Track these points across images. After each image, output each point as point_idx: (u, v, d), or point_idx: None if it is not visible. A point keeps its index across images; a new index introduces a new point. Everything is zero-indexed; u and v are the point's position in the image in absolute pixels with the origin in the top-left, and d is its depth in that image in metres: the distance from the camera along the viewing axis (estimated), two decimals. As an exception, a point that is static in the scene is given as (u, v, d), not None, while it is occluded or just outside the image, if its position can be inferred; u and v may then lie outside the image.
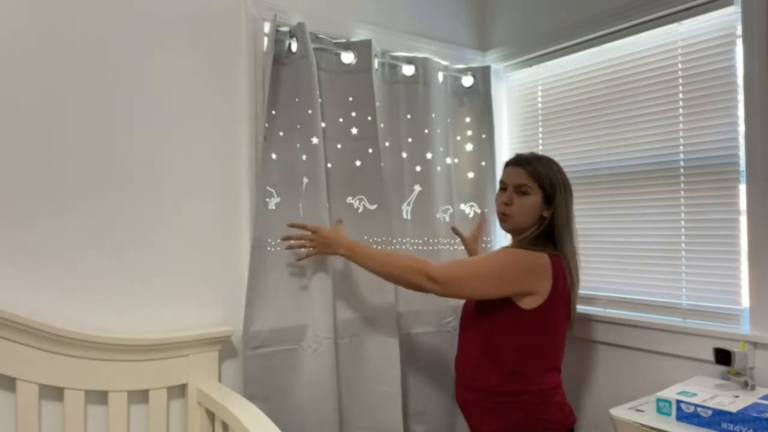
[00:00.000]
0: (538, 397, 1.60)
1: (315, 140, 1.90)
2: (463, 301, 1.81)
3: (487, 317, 1.64)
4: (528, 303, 1.58)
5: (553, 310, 1.61)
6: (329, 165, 1.98)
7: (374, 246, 2.02)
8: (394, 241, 2.13)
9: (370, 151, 2.02)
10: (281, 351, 1.87)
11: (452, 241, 2.27)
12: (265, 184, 1.87)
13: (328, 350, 1.88)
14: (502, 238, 2.41)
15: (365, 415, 1.98)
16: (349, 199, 2.02)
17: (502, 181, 1.73)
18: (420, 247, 2.19)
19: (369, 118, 2.02)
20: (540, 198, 1.65)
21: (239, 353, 1.87)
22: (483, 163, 2.36)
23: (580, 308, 1.98)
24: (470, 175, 2.36)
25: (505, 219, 1.70)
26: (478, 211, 2.34)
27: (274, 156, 1.90)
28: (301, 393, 1.88)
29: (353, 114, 2.03)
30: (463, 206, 2.35)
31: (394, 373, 2.00)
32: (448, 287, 1.57)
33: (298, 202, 1.93)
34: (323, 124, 1.97)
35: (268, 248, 1.86)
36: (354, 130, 2.03)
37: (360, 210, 2.03)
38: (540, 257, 1.59)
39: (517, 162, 1.70)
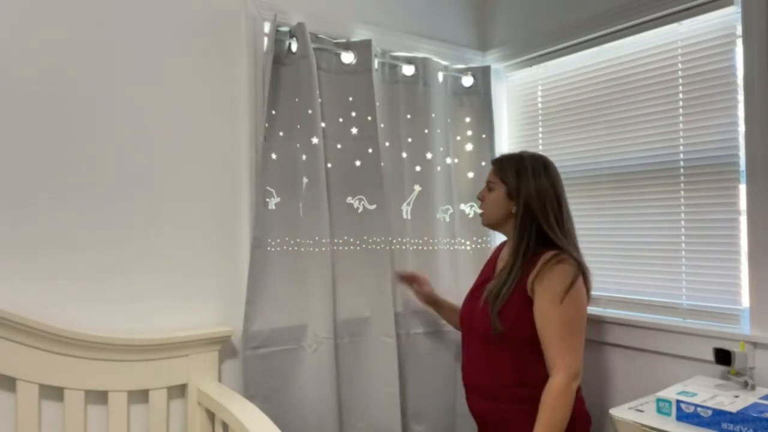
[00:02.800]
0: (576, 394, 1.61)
1: (315, 140, 1.90)
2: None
3: (516, 331, 1.59)
4: None
5: None
6: (329, 165, 1.98)
7: (374, 246, 2.01)
8: (394, 241, 2.13)
9: (370, 151, 2.02)
10: (281, 351, 1.87)
11: (452, 241, 2.27)
12: (264, 184, 1.87)
13: (328, 350, 1.88)
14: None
15: (365, 415, 1.98)
16: (349, 199, 2.02)
17: None
18: (420, 247, 2.19)
19: (369, 118, 2.02)
20: (503, 192, 1.70)
21: (239, 353, 1.87)
22: (483, 163, 2.35)
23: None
24: (470, 175, 2.36)
25: (481, 214, 1.79)
26: (479, 211, 2.33)
27: (274, 156, 1.90)
28: (301, 393, 1.88)
29: (353, 114, 2.03)
30: (463, 206, 2.35)
31: (393, 372, 2.00)
32: (580, 369, 1.54)
33: (298, 202, 1.93)
34: (323, 124, 1.97)
35: (268, 248, 1.86)
36: (354, 130, 2.03)
37: (360, 210, 2.03)
38: (579, 275, 1.58)
39: (492, 161, 1.79)
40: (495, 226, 1.77)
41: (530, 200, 1.64)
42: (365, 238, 2.01)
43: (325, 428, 1.87)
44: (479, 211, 1.81)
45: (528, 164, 1.69)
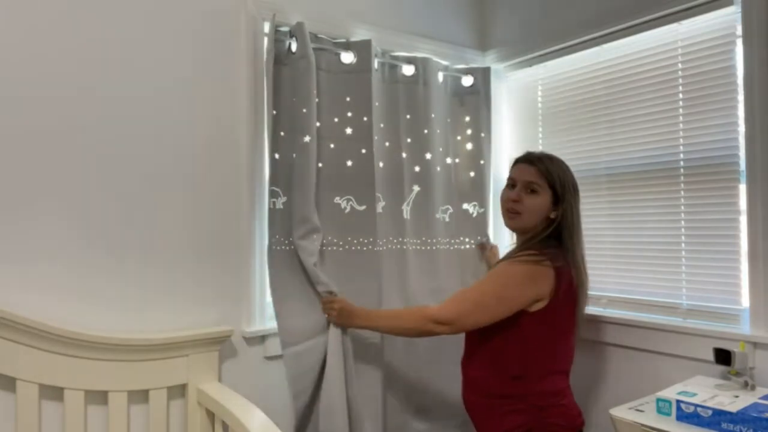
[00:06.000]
0: (542, 401, 1.58)
1: (307, 138, 1.88)
2: None
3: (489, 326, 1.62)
4: (533, 307, 1.57)
5: (557, 312, 1.58)
6: (320, 164, 1.97)
7: (359, 248, 2.00)
8: (394, 241, 2.13)
9: (363, 151, 2.01)
10: (306, 350, 1.86)
11: (452, 241, 2.27)
12: (270, 185, 1.87)
13: (336, 348, 1.88)
14: (504, 237, 2.41)
15: (356, 418, 1.98)
16: (337, 199, 2.00)
17: (510, 178, 1.70)
18: (420, 247, 2.19)
19: (365, 118, 2.01)
20: (549, 198, 1.62)
21: (239, 353, 1.87)
22: (482, 162, 2.35)
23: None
24: (471, 174, 2.35)
25: (512, 216, 1.66)
26: (480, 210, 2.34)
27: (276, 156, 1.90)
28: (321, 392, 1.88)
29: (349, 114, 2.02)
30: (466, 205, 2.33)
31: (376, 374, 1.99)
32: (455, 325, 1.57)
33: (298, 201, 1.92)
34: (318, 124, 1.96)
35: (276, 247, 1.86)
36: (348, 130, 2.02)
37: (347, 210, 2.01)
38: (540, 269, 1.55)
39: (529, 160, 1.67)
40: (525, 230, 1.68)
41: (569, 209, 1.62)
42: (349, 239, 2.00)
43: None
44: (515, 212, 1.65)
45: (565, 168, 1.66)
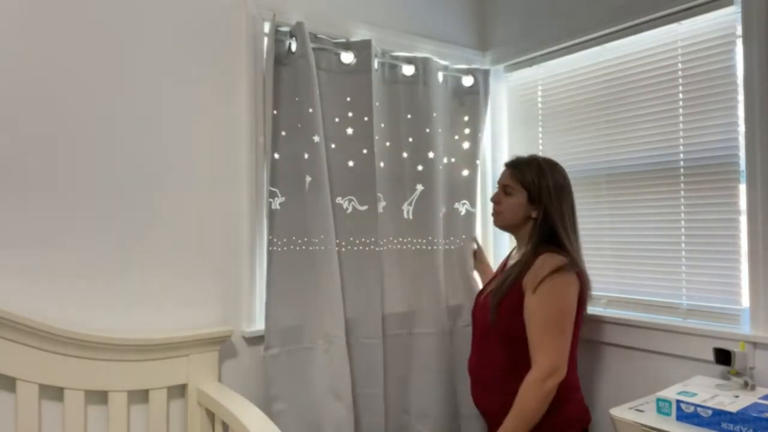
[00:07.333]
0: (562, 394, 1.60)
1: (316, 138, 1.90)
2: (472, 304, 1.89)
3: (511, 328, 1.64)
4: None
5: (579, 311, 1.67)
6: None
7: (361, 248, 2.01)
8: (395, 241, 2.13)
9: (365, 152, 2.02)
10: (298, 350, 1.86)
11: (453, 240, 2.27)
12: (269, 185, 1.87)
13: (339, 350, 1.88)
14: (504, 237, 2.42)
15: (361, 419, 1.98)
16: (339, 200, 2.01)
17: (497, 182, 1.84)
18: (421, 247, 2.18)
19: (366, 118, 2.02)
20: (524, 198, 1.73)
21: (239, 353, 1.87)
22: (477, 161, 2.35)
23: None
24: (465, 173, 2.35)
25: (494, 216, 1.83)
26: (471, 209, 2.33)
27: (276, 156, 1.90)
28: (314, 393, 1.88)
29: (350, 114, 2.03)
30: (456, 205, 2.33)
31: (378, 374, 2.00)
32: (557, 365, 1.55)
33: (301, 201, 1.92)
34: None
35: (272, 248, 1.86)
36: (349, 131, 2.02)
37: (349, 210, 2.01)
38: (569, 275, 1.62)
39: (507, 163, 1.81)
40: (509, 228, 1.81)
41: (550, 206, 1.71)
42: (351, 239, 2.01)
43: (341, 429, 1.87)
44: (495, 212, 1.82)
45: (546, 169, 1.74)
